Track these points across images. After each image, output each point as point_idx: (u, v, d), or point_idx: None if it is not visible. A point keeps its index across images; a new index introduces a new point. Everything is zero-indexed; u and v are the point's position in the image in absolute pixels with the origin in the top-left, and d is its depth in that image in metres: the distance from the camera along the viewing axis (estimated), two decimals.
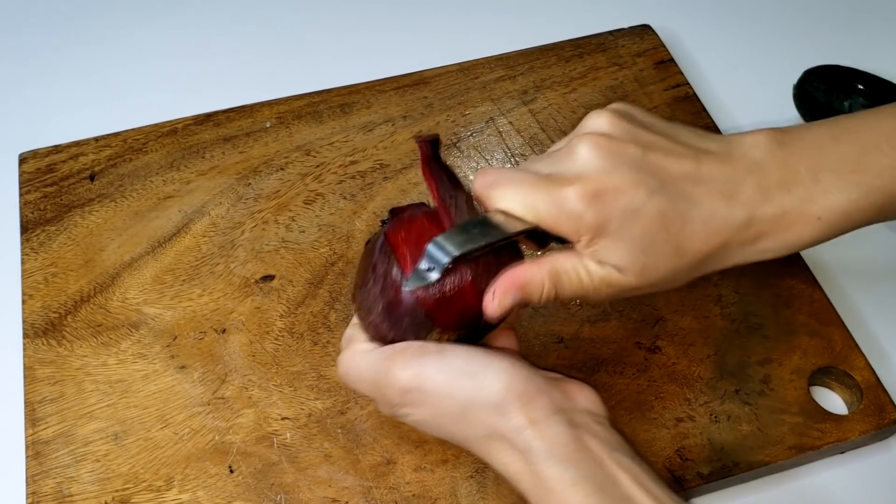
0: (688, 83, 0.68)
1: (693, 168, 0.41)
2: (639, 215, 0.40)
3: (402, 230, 0.42)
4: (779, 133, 0.43)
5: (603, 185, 0.40)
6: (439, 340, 0.42)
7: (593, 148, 0.40)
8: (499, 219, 0.41)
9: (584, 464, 0.38)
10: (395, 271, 0.41)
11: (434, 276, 0.40)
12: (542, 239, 0.43)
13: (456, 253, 0.39)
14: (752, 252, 0.42)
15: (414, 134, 0.64)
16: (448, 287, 0.40)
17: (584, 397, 0.41)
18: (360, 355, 0.42)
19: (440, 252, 0.40)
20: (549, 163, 0.42)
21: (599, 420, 0.40)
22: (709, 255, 0.41)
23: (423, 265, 0.40)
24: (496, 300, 0.40)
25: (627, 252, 0.40)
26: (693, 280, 0.43)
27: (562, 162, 0.41)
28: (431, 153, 0.43)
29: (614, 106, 0.43)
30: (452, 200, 0.42)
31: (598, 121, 0.42)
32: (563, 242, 0.42)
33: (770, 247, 0.42)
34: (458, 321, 0.41)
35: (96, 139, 0.64)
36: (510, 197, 0.41)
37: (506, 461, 0.39)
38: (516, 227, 0.40)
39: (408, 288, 0.40)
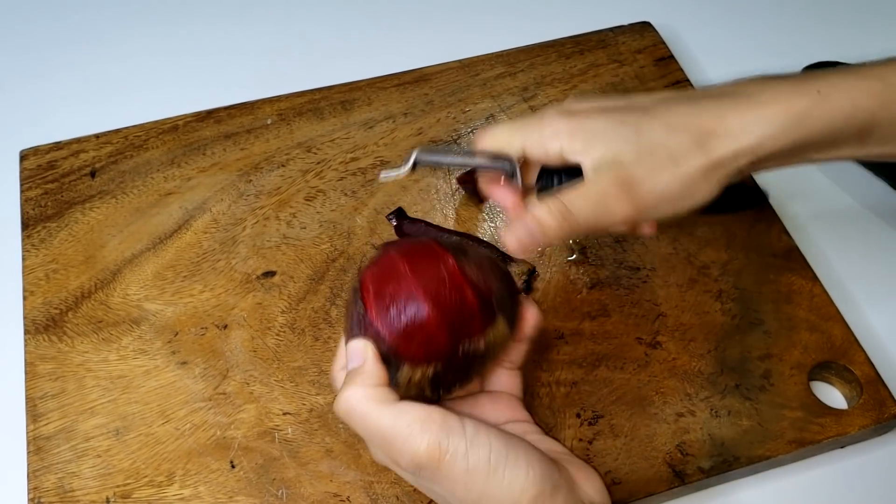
0: (688, 80, 0.68)
1: (649, 103, 0.45)
2: (612, 111, 0.44)
3: (373, 267, 0.42)
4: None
5: (576, 107, 0.45)
6: (412, 376, 0.40)
7: (557, 109, 0.46)
8: (479, 153, 0.46)
9: None
10: (360, 308, 0.41)
11: (404, 168, 0.44)
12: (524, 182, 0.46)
13: (421, 155, 0.44)
14: (758, 129, 0.42)
15: (414, 136, 0.64)
16: (409, 318, 0.40)
17: (590, 486, 0.41)
18: (371, 404, 0.39)
19: (416, 154, 0.45)
20: (520, 122, 0.46)
21: None
22: (707, 129, 0.43)
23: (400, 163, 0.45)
24: (510, 232, 0.44)
25: (613, 135, 0.43)
26: (719, 175, 0.43)
27: (532, 120, 0.46)
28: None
29: (572, 97, 0.49)
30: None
31: (564, 102, 0.47)
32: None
33: (772, 128, 0.42)
34: (424, 354, 0.40)
35: (97, 136, 0.64)
36: (497, 133, 0.46)
37: None
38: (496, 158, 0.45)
39: (380, 178, 0.45)
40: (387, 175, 0.44)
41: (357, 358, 0.40)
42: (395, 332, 0.40)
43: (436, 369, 0.41)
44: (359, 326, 0.41)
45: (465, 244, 0.45)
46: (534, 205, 0.44)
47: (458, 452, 0.38)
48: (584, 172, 0.44)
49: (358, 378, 0.39)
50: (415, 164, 0.44)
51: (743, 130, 0.43)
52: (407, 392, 0.41)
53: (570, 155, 0.44)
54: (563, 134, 0.44)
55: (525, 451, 0.39)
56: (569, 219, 0.43)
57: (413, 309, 0.40)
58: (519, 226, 0.44)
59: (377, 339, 0.40)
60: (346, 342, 0.42)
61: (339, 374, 0.42)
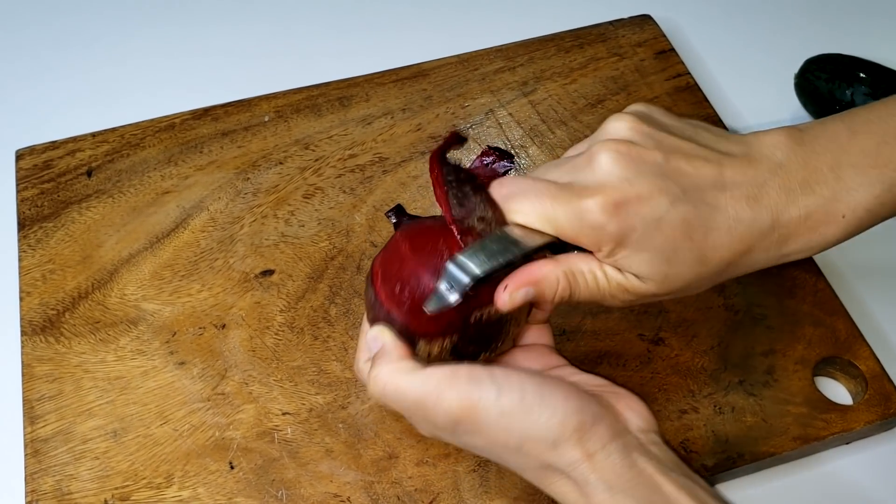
0: (689, 73, 0.67)
1: (716, 173, 0.40)
2: (662, 224, 0.39)
3: (382, 252, 0.43)
4: (797, 131, 0.42)
5: (625, 195, 0.39)
6: (430, 351, 0.41)
7: (614, 156, 0.39)
8: (517, 233, 0.40)
9: (641, 491, 0.37)
10: (372, 293, 0.42)
11: (454, 297, 0.39)
12: (559, 249, 0.42)
13: (478, 272, 0.39)
14: (777, 256, 0.41)
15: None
16: (416, 294, 0.40)
17: (634, 414, 0.40)
18: (398, 376, 0.39)
19: (461, 272, 0.39)
20: (567, 171, 0.41)
21: (652, 438, 0.39)
22: (732, 261, 0.41)
23: (443, 285, 0.39)
24: (507, 293, 0.40)
25: (649, 262, 0.39)
26: (713, 285, 0.42)
27: (582, 171, 0.40)
28: (442, 159, 0.43)
29: (634, 108, 0.42)
30: (460, 205, 0.42)
31: (619, 126, 0.41)
32: (581, 251, 0.41)
33: (795, 249, 0.41)
34: (435, 328, 0.40)
35: (93, 135, 0.64)
36: (529, 210, 0.40)
37: (562, 491, 0.39)
38: (536, 241, 0.40)
39: (429, 309, 0.39)
40: (435, 308, 0.39)
41: (376, 343, 0.41)
42: (405, 311, 0.41)
43: (452, 341, 0.41)
44: (373, 311, 0.42)
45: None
46: (545, 270, 0.41)
47: (490, 399, 0.38)
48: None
49: (381, 358, 0.40)
50: (473, 285, 0.39)
51: (767, 259, 0.42)
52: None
53: (603, 258, 0.40)
54: (603, 241, 0.39)
55: (559, 387, 0.39)
56: (565, 298, 0.41)
57: (417, 285, 0.40)
58: (520, 275, 0.41)
59: (391, 321, 0.41)
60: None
61: (363, 367, 0.43)
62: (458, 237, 0.40)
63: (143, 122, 0.64)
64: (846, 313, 0.55)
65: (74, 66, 0.72)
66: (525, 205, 0.40)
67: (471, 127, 0.64)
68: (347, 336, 0.53)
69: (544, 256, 0.41)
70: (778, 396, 0.51)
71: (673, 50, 0.69)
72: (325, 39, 0.74)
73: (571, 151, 0.43)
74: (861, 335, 0.54)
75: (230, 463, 0.49)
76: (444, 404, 0.38)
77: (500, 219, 0.41)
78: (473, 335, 0.42)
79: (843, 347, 0.53)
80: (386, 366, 0.40)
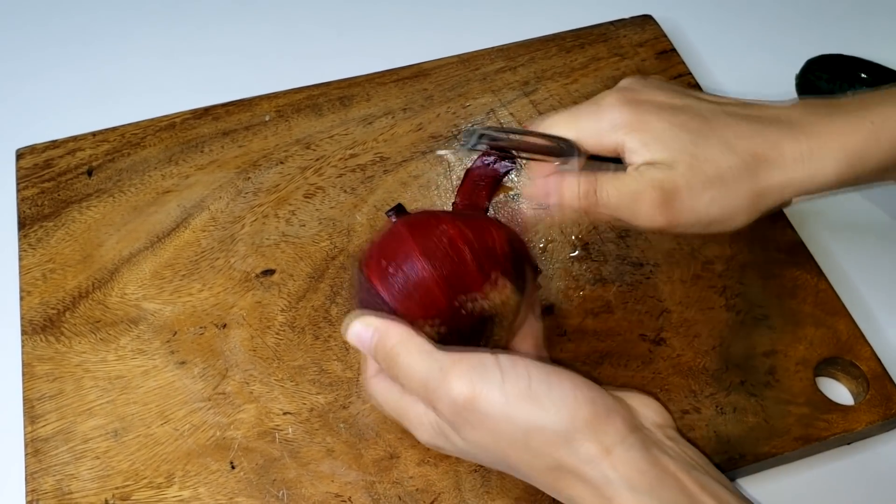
0: (690, 73, 0.67)
1: (731, 99, 0.43)
2: (677, 111, 0.41)
3: (375, 238, 0.43)
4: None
5: (639, 94, 0.42)
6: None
7: (620, 91, 0.43)
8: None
9: (666, 490, 0.35)
10: (363, 278, 0.42)
11: (467, 145, 0.40)
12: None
13: (490, 131, 0.41)
14: (811, 166, 0.41)
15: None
16: (406, 277, 0.40)
17: (649, 410, 0.39)
18: (416, 353, 0.38)
19: (475, 130, 0.41)
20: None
21: (670, 434, 0.38)
22: (761, 155, 0.40)
23: (461, 141, 0.42)
24: (533, 184, 0.42)
25: (672, 140, 0.40)
26: (757, 214, 0.42)
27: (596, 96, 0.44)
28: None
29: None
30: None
31: (624, 81, 0.45)
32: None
33: (827, 157, 0.41)
34: (423, 312, 0.40)
35: (94, 134, 0.63)
36: (556, 119, 0.43)
37: (577, 494, 0.36)
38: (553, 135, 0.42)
39: (441, 152, 0.42)
40: (444, 152, 0.42)
41: (368, 334, 0.40)
42: (395, 294, 0.41)
43: (439, 329, 0.40)
44: (360, 294, 0.42)
45: (471, 214, 0.44)
46: (567, 174, 0.42)
47: (493, 385, 0.36)
48: (627, 165, 0.42)
49: (389, 339, 0.39)
50: (478, 140, 0.41)
51: (796, 162, 0.41)
52: None
53: (625, 152, 0.42)
54: (621, 128, 0.41)
55: (569, 376, 0.37)
56: (591, 200, 0.41)
57: (408, 267, 0.40)
58: (542, 183, 0.42)
59: (382, 306, 0.41)
60: (350, 325, 0.41)
61: (371, 381, 0.43)
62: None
63: (143, 121, 0.64)
64: (847, 314, 0.55)
65: (75, 64, 0.72)
66: (553, 117, 0.43)
67: (472, 126, 0.64)
68: None
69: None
70: (779, 397, 0.51)
71: (674, 50, 0.69)
72: (326, 39, 0.73)
73: None
74: (862, 335, 0.53)
75: (231, 463, 0.49)
76: (448, 387, 0.37)
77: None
78: (463, 325, 0.41)
79: (845, 348, 0.53)
80: (397, 345, 0.38)
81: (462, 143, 0.41)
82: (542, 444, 0.36)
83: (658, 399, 0.40)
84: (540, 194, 0.41)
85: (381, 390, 0.42)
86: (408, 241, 0.41)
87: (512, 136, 0.43)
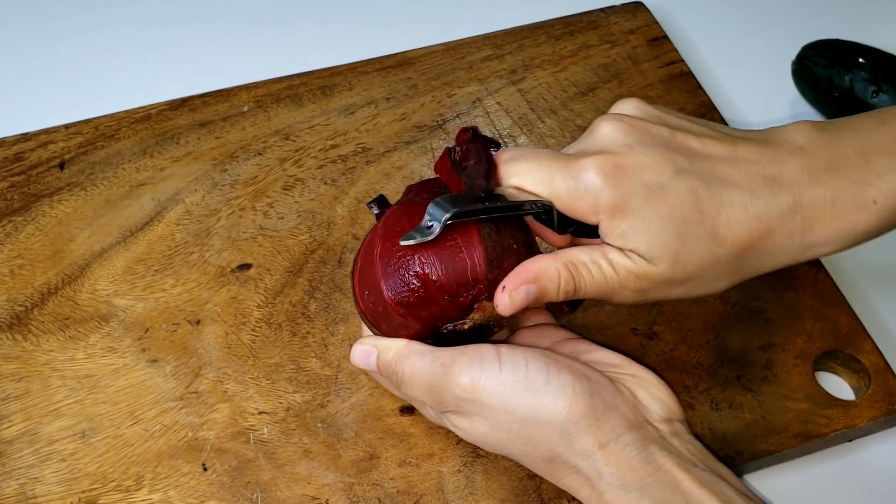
0: (682, 60, 0.65)
1: (728, 150, 0.37)
2: (666, 193, 0.36)
3: (361, 247, 0.42)
4: (820, 122, 0.39)
5: (625, 159, 0.36)
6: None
7: (616, 124, 0.38)
8: (510, 192, 0.39)
9: (659, 489, 0.34)
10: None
11: (435, 230, 0.37)
12: (560, 226, 0.40)
13: (457, 209, 0.37)
14: (802, 246, 0.38)
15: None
16: (381, 310, 0.40)
17: (657, 402, 0.37)
18: (415, 357, 0.39)
19: (440, 210, 0.38)
20: (572, 147, 0.39)
21: (675, 428, 0.37)
22: (750, 244, 0.37)
23: (425, 221, 0.38)
24: (507, 294, 0.37)
25: (656, 234, 0.36)
26: (737, 283, 0.39)
27: (583, 142, 0.39)
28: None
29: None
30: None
31: (625, 105, 0.39)
32: (586, 236, 0.39)
33: (822, 238, 0.38)
34: (406, 335, 0.41)
35: (66, 126, 0.61)
36: (527, 171, 0.38)
37: (572, 485, 0.37)
38: (527, 199, 0.38)
39: (405, 242, 0.38)
40: (407, 242, 0.38)
41: (370, 356, 0.41)
42: (373, 314, 0.41)
43: (430, 342, 0.41)
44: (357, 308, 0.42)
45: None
46: (544, 261, 0.38)
47: (492, 375, 0.36)
48: (602, 240, 0.38)
49: (388, 354, 0.40)
50: (446, 227, 0.38)
51: (787, 242, 0.38)
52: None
53: (602, 230, 0.38)
54: (600, 208, 0.37)
55: (569, 368, 0.37)
56: (570, 292, 0.38)
57: (377, 301, 0.40)
58: (520, 270, 0.38)
59: (366, 322, 0.42)
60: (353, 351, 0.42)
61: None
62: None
63: (118, 113, 0.62)
64: (848, 305, 0.53)
65: (47, 55, 0.70)
66: (523, 166, 0.38)
67: (457, 116, 0.62)
68: (327, 332, 0.51)
69: (535, 217, 0.39)
70: (777, 392, 0.49)
71: (666, 37, 0.67)
72: (306, 27, 0.71)
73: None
74: (863, 328, 0.51)
75: (203, 464, 0.46)
76: (448, 381, 0.37)
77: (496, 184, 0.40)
78: (449, 341, 0.40)
79: (845, 341, 0.51)
80: (402, 348, 0.40)
81: (427, 227, 0.38)
82: (537, 434, 0.36)
83: (669, 386, 0.38)
84: (518, 281, 0.38)
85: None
86: (376, 270, 0.40)
87: (481, 207, 0.38)
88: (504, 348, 0.38)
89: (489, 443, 0.39)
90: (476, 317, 0.40)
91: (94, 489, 0.46)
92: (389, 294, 0.39)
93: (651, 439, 0.36)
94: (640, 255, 0.37)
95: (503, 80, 0.64)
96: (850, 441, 0.50)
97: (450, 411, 0.39)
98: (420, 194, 0.43)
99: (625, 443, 0.35)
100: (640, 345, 0.51)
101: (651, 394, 0.38)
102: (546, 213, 0.39)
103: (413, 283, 0.38)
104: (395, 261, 0.39)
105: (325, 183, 0.58)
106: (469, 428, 0.39)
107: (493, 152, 0.41)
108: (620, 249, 0.37)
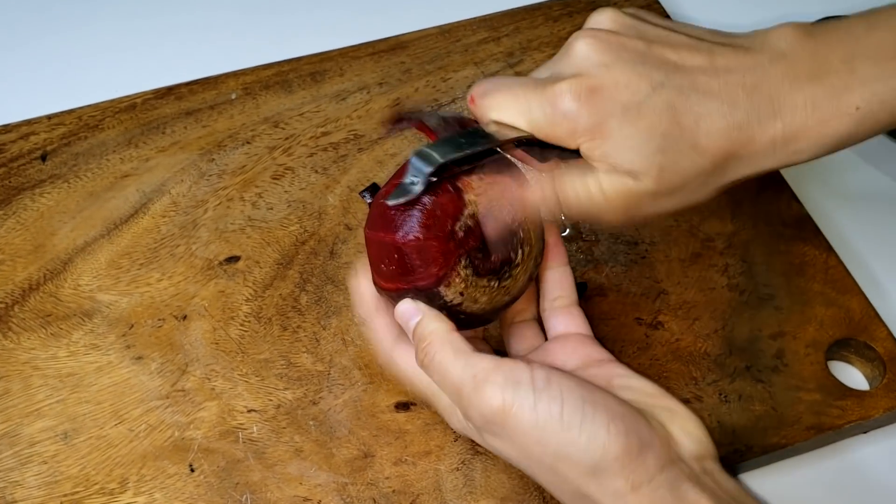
0: None
1: (706, 60, 0.37)
2: (643, 109, 0.36)
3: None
4: (807, 25, 0.39)
5: (600, 80, 0.36)
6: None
7: (591, 42, 0.37)
8: (491, 129, 0.38)
9: None
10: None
11: (417, 188, 0.36)
12: (543, 155, 0.39)
13: (441, 160, 0.36)
14: (785, 154, 0.38)
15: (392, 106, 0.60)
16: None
17: (689, 438, 0.36)
18: (451, 352, 0.37)
19: (423, 162, 0.36)
20: (547, 68, 0.38)
21: (707, 467, 0.35)
22: (732, 153, 0.37)
23: (407, 178, 0.37)
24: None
25: (637, 150, 0.36)
26: (723, 189, 0.39)
27: (558, 63, 0.38)
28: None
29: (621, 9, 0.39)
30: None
31: (601, 17, 0.38)
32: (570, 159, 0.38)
33: (803, 146, 0.37)
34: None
35: (49, 117, 0.59)
36: (503, 104, 0.37)
37: None
38: (509, 135, 0.37)
39: (390, 202, 0.37)
40: (396, 201, 0.37)
41: (414, 317, 0.38)
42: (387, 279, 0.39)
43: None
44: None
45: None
46: (528, 177, 0.39)
47: (525, 406, 0.35)
48: (586, 160, 0.38)
49: (434, 338, 0.38)
50: (435, 174, 0.37)
51: (769, 150, 0.38)
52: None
53: (584, 153, 0.37)
54: (579, 133, 0.37)
55: (605, 404, 0.35)
56: (554, 206, 0.39)
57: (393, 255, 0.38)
58: (503, 189, 0.39)
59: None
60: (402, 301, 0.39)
61: (396, 352, 0.41)
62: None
63: (102, 102, 0.60)
64: (860, 291, 0.51)
65: (28, 44, 0.68)
66: (500, 99, 0.38)
67: (453, 101, 0.60)
68: (319, 326, 0.49)
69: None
70: (789, 383, 0.47)
71: (668, 17, 0.65)
72: (295, 11, 0.69)
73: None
74: (877, 314, 0.50)
75: (190, 465, 0.45)
76: (477, 398, 0.35)
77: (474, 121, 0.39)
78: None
79: (858, 328, 0.49)
80: (437, 342, 0.37)
81: (410, 189, 0.37)
82: (568, 471, 0.35)
83: (701, 422, 0.37)
84: (502, 199, 0.38)
85: (409, 369, 0.40)
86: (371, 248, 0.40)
87: (466, 154, 0.37)
88: (539, 373, 0.36)
89: (517, 463, 0.38)
90: (454, 288, 0.38)
91: (77, 492, 0.44)
92: (400, 237, 0.37)
93: (685, 477, 0.34)
94: (624, 172, 0.37)
95: (500, 64, 0.62)
96: (865, 433, 0.48)
97: (477, 427, 0.37)
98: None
99: (658, 483, 0.34)
100: (644, 335, 0.49)
101: (685, 430, 0.36)
102: (528, 144, 0.38)
103: (396, 263, 0.38)
104: (381, 248, 0.38)
105: (316, 171, 0.56)
106: (498, 447, 0.37)
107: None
108: (604, 169, 0.37)
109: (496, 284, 0.38)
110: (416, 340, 0.38)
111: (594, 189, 0.37)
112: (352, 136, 0.58)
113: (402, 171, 0.38)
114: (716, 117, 0.36)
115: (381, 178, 0.56)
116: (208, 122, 0.59)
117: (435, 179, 0.36)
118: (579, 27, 0.63)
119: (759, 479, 0.46)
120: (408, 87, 0.61)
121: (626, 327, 0.49)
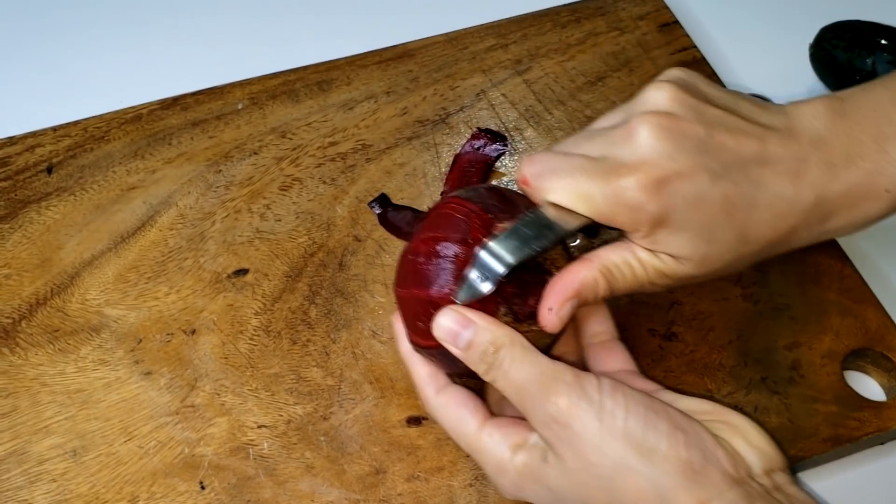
0: (695, 46, 0.63)
1: (758, 148, 0.38)
2: (703, 203, 0.36)
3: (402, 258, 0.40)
4: (837, 101, 0.40)
5: (666, 172, 0.36)
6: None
7: (655, 130, 0.37)
8: (551, 214, 0.37)
9: None
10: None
11: (487, 287, 0.36)
12: (592, 231, 0.39)
13: (511, 260, 0.36)
14: (818, 233, 0.40)
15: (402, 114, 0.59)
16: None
17: (754, 451, 0.35)
18: (520, 349, 0.37)
19: (494, 260, 0.36)
20: (602, 144, 0.38)
21: (779, 480, 0.35)
22: (774, 240, 0.38)
23: (474, 273, 0.36)
24: (554, 315, 0.37)
25: (689, 242, 0.37)
26: (752, 265, 0.40)
27: (619, 145, 0.37)
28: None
29: (674, 75, 0.39)
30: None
31: (659, 96, 0.38)
32: (613, 230, 0.38)
33: (837, 226, 0.39)
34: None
35: (54, 129, 0.59)
36: (563, 188, 0.37)
37: None
38: (571, 223, 0.37)
39: (459, 300, 0.37)
40: (466, 298, 0.37)
41: (466, 332, 0.37)
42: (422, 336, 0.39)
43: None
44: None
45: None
46: (580, 269, 0.38)
47: (591, 410, 0.35)
48: (628, 238, 0.38)
49: (494, 341, 0.37)
50: (507, 274, 0.36)
51: (807, 233, 0.39)
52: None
53: (639, 238, 0.38)
54: (643, 216, 0.36)
55: (667, 415, 0.35)
56: (606, 295, 0.38)
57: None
58: (563, 282, 0.38)
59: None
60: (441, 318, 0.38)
61: (435, 402, 0.40)
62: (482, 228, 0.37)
63: (107, 113, 0.60)
64: (876, 301, 0.50)
65: (33, 55, 0.67)
66: (558, 182, 0.37)
67: (461, 110, 0.59)
68: (329, 339, 0.49)
69: (579, 241, 0.40)
70: (805, 394, 0.47)
71: (677, 22, 0.64)
72: (302, 20, 0.69)
73: (603, 122, 0.40)
74: (893, 324, 0.49)
75: (201, 482, 0.44)
76: (548, 398, 0.35)
77: (530, 202, 0.39)
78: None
79: (875, 338, 0.49)
80: (503, 342, 0.37)
81: (477, 290, 0.37)
82: (627, 485, 0.34)
83: (766, 431, 0.37)
84: (562, 298, 0.37)
85: (453, 419, 0.40)
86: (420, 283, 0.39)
87: (536, 246, 0.37)
88: (606, 382, 0.36)
89: (575, 485, 0.36)
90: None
91: None
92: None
93: (756, 496, 0.33)
94: (669, 256, 0.38)
95: (508, 71, 0.61)
96: (882, 444, 0.47)
97: (538, 438, 0.37)
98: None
99: (728, 500, 0.33)
100: (658, 346, 0.48)
101: (749, 443, 0.36)
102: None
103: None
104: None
105: (324, 182, 0.56)
106: (552, 468, 0.36)
107: (511, 162, 0.39)
108: (650, 251, 0.38)
109: (537, 328, 0.38)
110: (473, 353, 0.37)
111: (638, 268, 0.38)
112: (360, 146, 0.57)
113: (432, 222, 0.38)
114: (764, 209, 0.37)
115: (390, 188, 0.55)
116: (215, 133, 0.58)
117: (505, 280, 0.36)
118: (588, 34, 0.63)
119: None
120: (415, 95, 0.60)
121: (640, 339, 0.49)
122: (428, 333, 0.38)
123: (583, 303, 0.38)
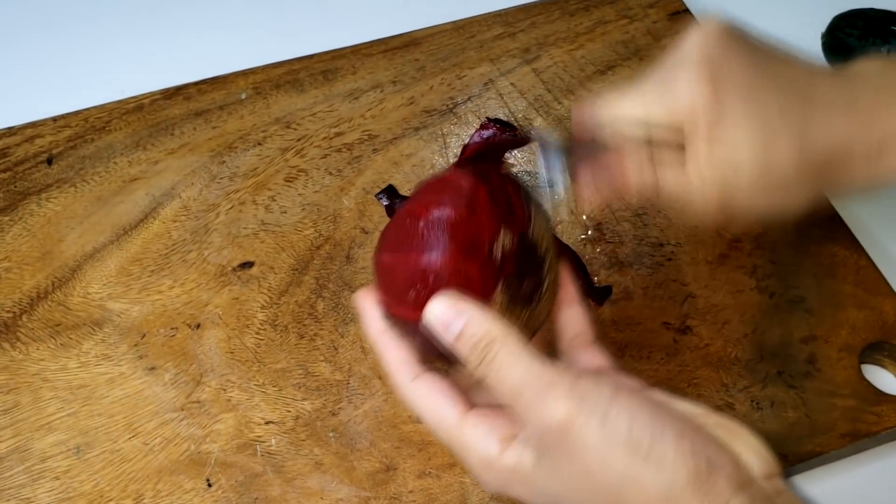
0: None
1: (808, 75, 0.38)
2: (758, 95, 0.37)
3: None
4: (886, 58, 0.42)
5: (717, 63, 0.37)
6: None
7: (703, 33, 0.38)
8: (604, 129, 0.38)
9: None
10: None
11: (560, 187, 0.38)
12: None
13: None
14: (878, 168, 0.39)
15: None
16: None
17: (755, 456, 0.34)
18: (513, 348, 0.34)
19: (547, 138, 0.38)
20: (652, 73, 0.39)
21: (777, 486, 0.34)
22: (832, 157, 0.38)
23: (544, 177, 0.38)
24: (602, 195, 0.38)
25: (747, 138, 0.37)
26: (813, 201, 0.39)
27: (670, 57, 0.38)
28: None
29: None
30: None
31: (707, 21, 0.39)
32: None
33: (888, 167, 0.39)
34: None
35: (54, 119, 0.58)
36: (616, 99, 0.38)
37: None
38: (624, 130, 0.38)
39: (547, 201, 0.37)
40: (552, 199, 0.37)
41: (457, 321, 0.34)
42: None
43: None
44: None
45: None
46: (631, 158, 0.38)
47: (593, 419, 0.32)
48: (686, 148, 0.38)
49: (486, 334, 0.34)
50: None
51: (863, 162, 0.38)
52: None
53: (689, 136, 0.38)
54: (698, 105, 0.37)
55: (671, 421, 0.33)
56: (652, 190, 0.38)
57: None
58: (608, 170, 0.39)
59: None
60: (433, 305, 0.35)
61: (410, 388, 0.36)
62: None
63: (108, 104, 0.59)
64: (893, 292, 0.50)
65: (33, 45, 0.66)
66: (612, 96, 0.38)
67: (469, 99, 0.58)
68: (337, 333, 0.48)
69: None
70: (822, 388, 0.46)
71: (687, 10, 0.64)
72: (306, 8, 0.68)
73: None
74: None
75: (207, 480, 0.43)
76: (544, 408, 0.32)
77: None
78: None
79: (892, 331, 0.48)
80: (495, 335, 0.34)
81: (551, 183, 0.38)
82: (635, 497, 0.32)
83: (761, 438, 0.35)
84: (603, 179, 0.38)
85: (432, 409, 0.36)
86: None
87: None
88: (606, 385, 0.33)
89: (572, 493, 0.34)
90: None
91: None
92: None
93: (760, 499, 0.32)
94: (727, 162, 0.37)
95: (516, 60, 0.61)
96: None
97: (530, 446, 0.34)
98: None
99: None
100: (672, 340, 0.47)
101: (750, 447, 0.34)
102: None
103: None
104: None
105: (330, 173, 0.55)
106: (552, 472, 0.34)
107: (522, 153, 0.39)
108: (707, 158, 0.37)
109: (526, 314, 0.36)
110: (464, 345, 0.34)
111: (694, 180, 0.37)
112: (366, 137, 0.56)
113: (432, 187, 0.37)
114: (818, 120, 0.37)
115: (397, 179, 0.54)
116: (218, 123, 0.57)
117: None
118: (597, 22, 0.62)
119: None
120: (422, 84, 0.59)
121: (654, 332, 0.48)
122: (418, 305, 0.34)
123: (622, 183, 0.38)
